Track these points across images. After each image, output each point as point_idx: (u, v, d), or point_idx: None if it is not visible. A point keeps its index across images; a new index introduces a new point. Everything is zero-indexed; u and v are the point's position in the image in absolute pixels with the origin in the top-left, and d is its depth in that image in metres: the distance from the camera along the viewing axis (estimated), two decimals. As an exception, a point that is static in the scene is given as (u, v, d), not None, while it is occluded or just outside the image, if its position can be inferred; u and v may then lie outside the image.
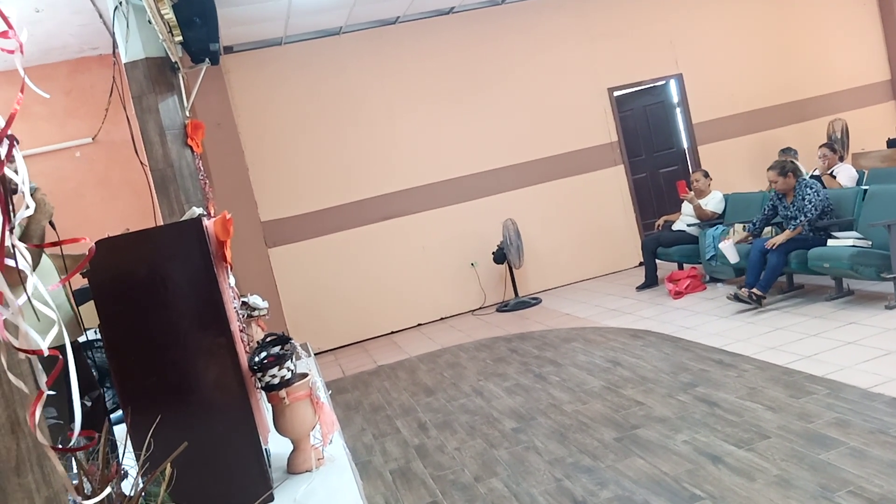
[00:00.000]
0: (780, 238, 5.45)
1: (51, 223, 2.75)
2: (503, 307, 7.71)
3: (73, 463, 1.17)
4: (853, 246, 5.05)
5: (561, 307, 7.23)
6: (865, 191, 5.54)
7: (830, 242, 5.23)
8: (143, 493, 1.01)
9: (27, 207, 0.84)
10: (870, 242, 5.07)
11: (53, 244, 0.93)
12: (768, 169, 5.76)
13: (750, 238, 5.88)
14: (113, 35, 4.80)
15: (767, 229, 5.87)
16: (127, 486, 1.20)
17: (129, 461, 1.58)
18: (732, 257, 5.69)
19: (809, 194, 5.47)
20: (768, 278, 5.45)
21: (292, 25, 6.98)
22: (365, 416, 5.05)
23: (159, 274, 2.31)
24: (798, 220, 5.45)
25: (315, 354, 6.04)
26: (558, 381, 4.84)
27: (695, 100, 8.66)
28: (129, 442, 1.93)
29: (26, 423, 0.84)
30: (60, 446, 0.88)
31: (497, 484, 3.47)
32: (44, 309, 0.80)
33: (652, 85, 8.79)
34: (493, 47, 8.02)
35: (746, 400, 3.83)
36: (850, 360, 4.08)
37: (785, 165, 5.66)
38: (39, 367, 0.84)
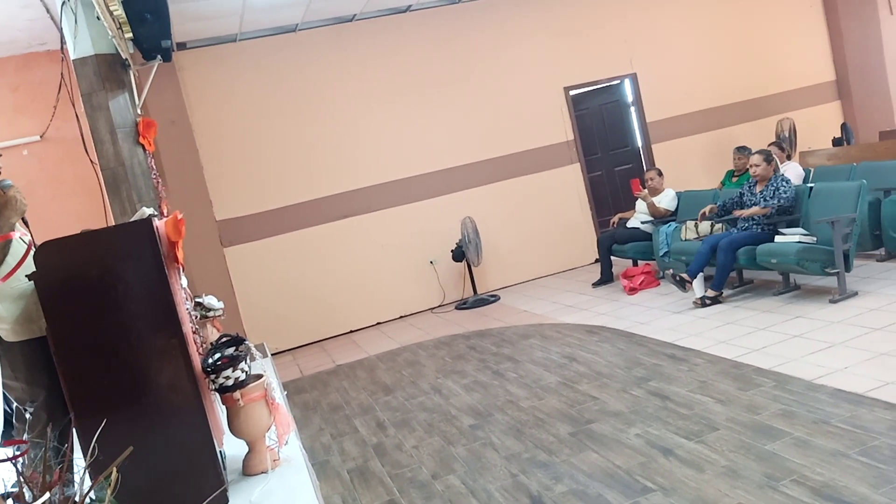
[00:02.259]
0: (751, 210, 5.58)
1: (24, 220, 2.71)
2: (462, 305, 7.75)
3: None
4: (799, 242, 5.21)
5: (519, 304, 7.30)
6: (811, 188, 5.72)
7: (778, 239, 5.39)
8: (86, 499, 1.01)
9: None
10: (815, 238, 5.23)
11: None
12: (754, 153, 5.95)
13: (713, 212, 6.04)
14: (61, 31, 4.69)
15: (718, 226, 6.01)
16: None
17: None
18: (699, 291, 5.82)
19: (785, 188, 5.61)
20: (720, 277, 5.59)
21: (247, 22, 6.90)
22: (323, 415, 5.04)
23: (109, 275, 2.28)
24: (770, 203, 5.58)
25: (272, 355, 6.01)
26: (515, 378, 4.89)
27: (649, 99, 8.81)
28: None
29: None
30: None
31: (454, 481, 3.50)
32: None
33: (607, 84, 8.91)
34: (450, 46, 8.05)
35: (697, 393, 3.92)
36: (796, 353, 4.22)
37: (770, 154, 5.89)
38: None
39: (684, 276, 5.69)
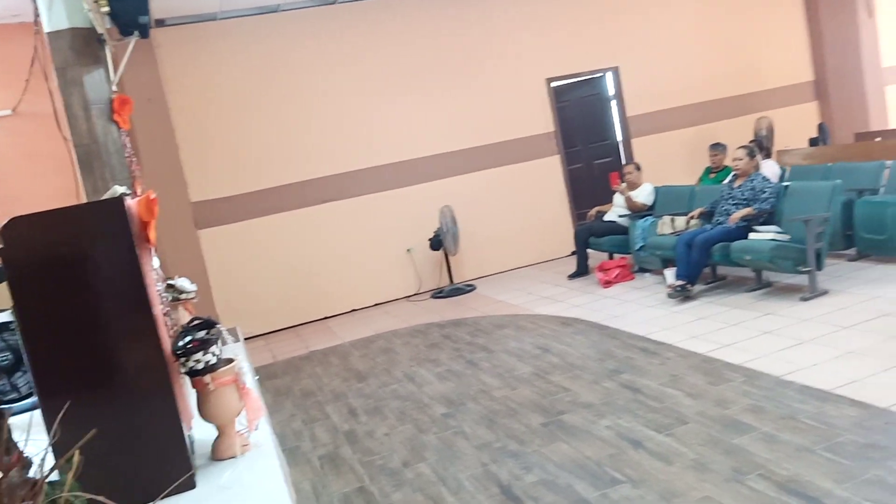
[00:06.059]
0: (741, 213, 5.60)
1: None
2: (438, 293, 7.75)
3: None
4: (773, 240, 5.27)
5: (495, 294, 7.31)
6: (787, 186, 5.78)
7: (752, 236, 5.44)
8: (46, 481, 0.99)
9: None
10: (788, 236, 5.30)
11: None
12: (738, 148, 6.02)
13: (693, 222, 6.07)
14: (35, 2, 4.57)
15: (694, 222, 6.06)
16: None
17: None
18: (670, 278, 5.85)
19: (769, 189, 5.66)
20: (692, 272, 5.64)
21: (228, 0, 6.80)
22: (295, 401, 5.01)
23: (78, 254, 2.23)
24: (755, 206, 5.62)
25: (245, 339, 5.95)
26: (489, 367, 4.90)
27: (630, 93, 8.84)
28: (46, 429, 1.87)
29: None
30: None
31: (425, 469, 3.50)
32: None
33: (589, 77, 8.92)
34: (434, 34, 8.00)
35: (668, 387, 3.96)
36: (767, 349, 4.27)
37: (754, 150, 5.97)
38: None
39: (677, 284, 5.63)
